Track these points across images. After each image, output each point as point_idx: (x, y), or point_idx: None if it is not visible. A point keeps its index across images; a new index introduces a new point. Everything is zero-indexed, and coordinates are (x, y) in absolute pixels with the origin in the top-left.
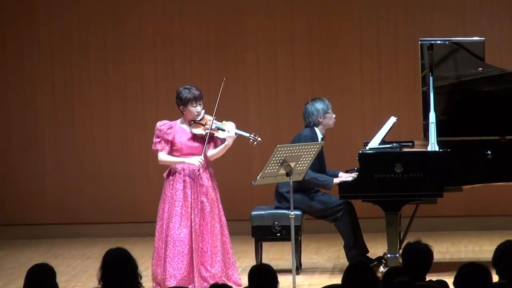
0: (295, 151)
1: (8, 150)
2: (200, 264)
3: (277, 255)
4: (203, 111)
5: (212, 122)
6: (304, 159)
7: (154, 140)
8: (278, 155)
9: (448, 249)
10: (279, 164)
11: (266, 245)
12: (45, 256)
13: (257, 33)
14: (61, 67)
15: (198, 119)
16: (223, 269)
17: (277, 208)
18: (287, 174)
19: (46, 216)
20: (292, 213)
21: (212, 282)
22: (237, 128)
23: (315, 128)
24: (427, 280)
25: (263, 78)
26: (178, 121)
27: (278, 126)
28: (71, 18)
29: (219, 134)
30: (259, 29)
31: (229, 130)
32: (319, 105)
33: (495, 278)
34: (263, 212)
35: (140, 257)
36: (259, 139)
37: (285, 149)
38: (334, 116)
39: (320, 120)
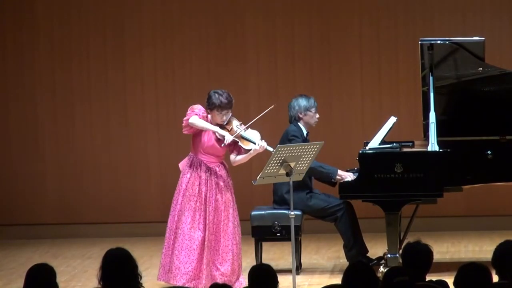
0: (295, 151)
1: (8, 150)
2: (211, 263)
3: (277, 255)
4: (230, 114)
5: (238, 129)
6: (304, 159)
7: (188, 113)
8: (278, 155)
9: (448, 249)
10: (279, 164)
11: (266, 245)
12: (45, 256)
13: (257, 33)
14: (61, 67)
15: (224, 124)
16: (233, 268)
17: (276, 209)
18: (287, 174)
19: (46, 216)
20: (292, 213)
21: (220, 280)
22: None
23: (298, 123)
24: (427, 280)
25: (263, 78)
26: (209, 118)
27: (278, 126)
28: (71, 19)
29: (242, 144)
30: (259, 29)
31: (258, 144)
32: (302, 102)
33: (495, 278)
34: (263, 212)
35: (140, 257)
36: None
37: (285, 149)
38: (317, 116)
39: (300, 116)
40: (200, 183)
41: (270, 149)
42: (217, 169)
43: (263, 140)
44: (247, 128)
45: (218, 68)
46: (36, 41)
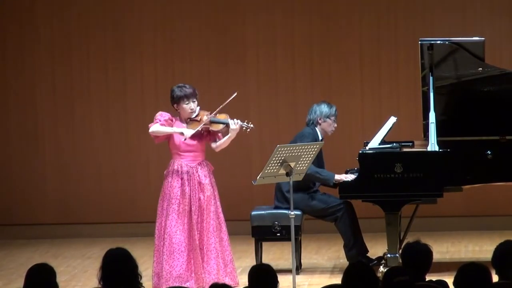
0: (295, 151)
1: (8, 150)
2: (198, 262)
3: (277, 255)
4: (198, 108)
5: (207, 117)
6: (304, 159)
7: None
8: (278, 155)
9: (448, 249)
10: (279, 164)
11: (266, 245)
12: (45, 256)
13: (257, 33)
14: (61, 67)
15: (193, 116)
16: (218, 266)
17: (276, 207)
18: (287, 174)
19: (46, 216)
20: (292, 213)
21: (208, 279)
22: (230, 118)
23: (316, 128)
24: (427, 280)
25: (263, 78)
26: (178, 118)
27: (278, 126)
28: (71, 18)
29: (213, 128)
30: (259, 29)
31: (231, 123)
32: (324, 108)
33: (495, 278)
34: (263, 212)
35: (140, 257)
36: (251, 125)
37: (285, 149)
38: (335, 125)
39: (320, 122)
40: (182, 184)
41: (245, 125)
42: (198, 167)
43: (237, 119)
44: (215, 114)
45: (218, 68)
46: (36, 41)
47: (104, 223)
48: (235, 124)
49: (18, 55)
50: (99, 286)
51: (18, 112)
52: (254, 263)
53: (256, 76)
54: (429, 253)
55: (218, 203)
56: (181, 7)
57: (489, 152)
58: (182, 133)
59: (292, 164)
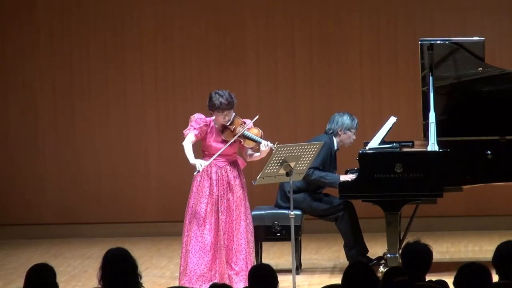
0: (295, 151)
1: (8, 151)
2: (225, 262)
3: (277, 255)
4: (233, 114)
5: (241, 129)
6: (304, 159)
7: (188, 128)
8: (278, 155)
9: (448, 249)
10: (279, 164)
11: (266, 245)
12: (45, 256)
13: (257, 33)
14: (61, 67)
15: (228, 124)
16: (247, 266)
17: (278, 206)
18: (287, 174)
19: (46, 216)
20: (292, 213)
21: (236, 279)
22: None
23: (334, 137)
24: (427, 280)
25: (263, 78)
26: (213, 119)
27: (278, 126)
28: (71, 18)
29: (246, 143)
30: (259, 30)
31: (262, 145)
32: (346, 120)
33: (495, 278)
34: (263, 212)
35: (140, 257)
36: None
37: (285, 149)
38: (354, 137)
39: (340, 133)
40: (211, 184)
41: (274, 147)
42: (228, 168)
43: (268, 141)
44: (250, 126)
45: (218, 69)
46: (36, 41)
47: (104, 223)
48: (265, 146)
49: (18, 55)
50: (99, 286)
51: (18, 112)
52: (254, 263)
53: (256, 76)
54: (429, 253)
55: (248, 204)
56: (181, 8)
57: (489, 152)
58: (195, 166)
59: (292, 164)
